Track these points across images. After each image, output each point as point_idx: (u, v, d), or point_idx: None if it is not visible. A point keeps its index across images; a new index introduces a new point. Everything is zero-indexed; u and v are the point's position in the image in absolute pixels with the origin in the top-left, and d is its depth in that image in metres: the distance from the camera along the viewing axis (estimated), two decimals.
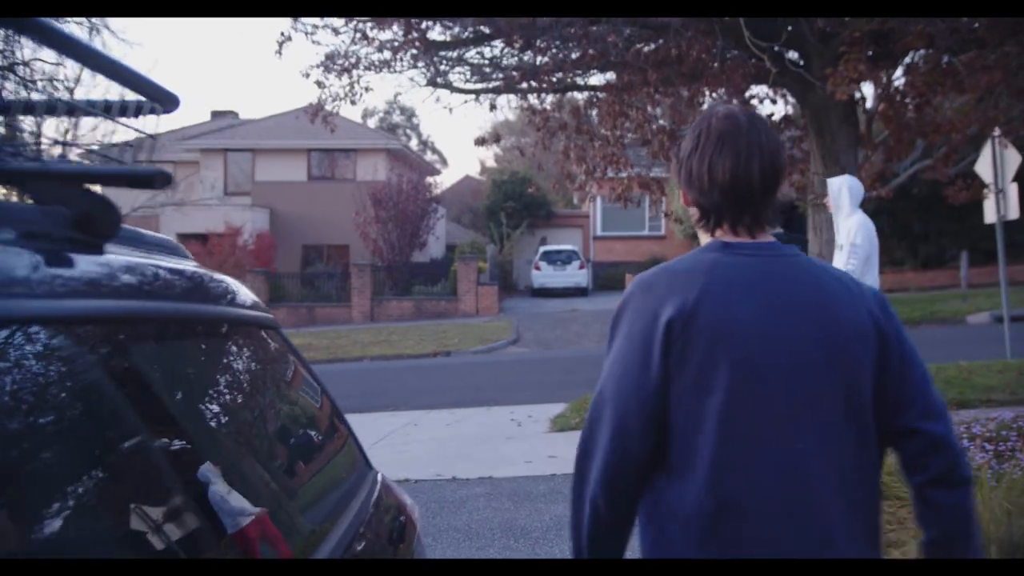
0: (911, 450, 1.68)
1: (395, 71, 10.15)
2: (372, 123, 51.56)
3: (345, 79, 11.04)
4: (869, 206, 9.14)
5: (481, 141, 10.43)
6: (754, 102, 10.67)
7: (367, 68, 10.78)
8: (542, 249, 31.62)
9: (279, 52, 10.76)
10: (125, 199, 32.65)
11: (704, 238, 1.79)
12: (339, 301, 26.88)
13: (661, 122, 10.22)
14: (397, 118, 62.51)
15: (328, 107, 12.00)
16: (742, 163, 1.68)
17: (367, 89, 10.53)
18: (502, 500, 6.65)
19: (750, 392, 1.58)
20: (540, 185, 37.88)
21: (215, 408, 1.80)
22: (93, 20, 19.93)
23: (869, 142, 10.64)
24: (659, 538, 1.67)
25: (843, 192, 6.49)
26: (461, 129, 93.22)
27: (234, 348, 2.02)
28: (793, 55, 9.88)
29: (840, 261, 6.22)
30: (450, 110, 11.00)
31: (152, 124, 1.94)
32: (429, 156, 55.72)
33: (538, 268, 31.02)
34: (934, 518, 1.68)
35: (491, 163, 58.15)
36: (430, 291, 27.51)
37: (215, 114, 40.45)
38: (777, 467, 1.57)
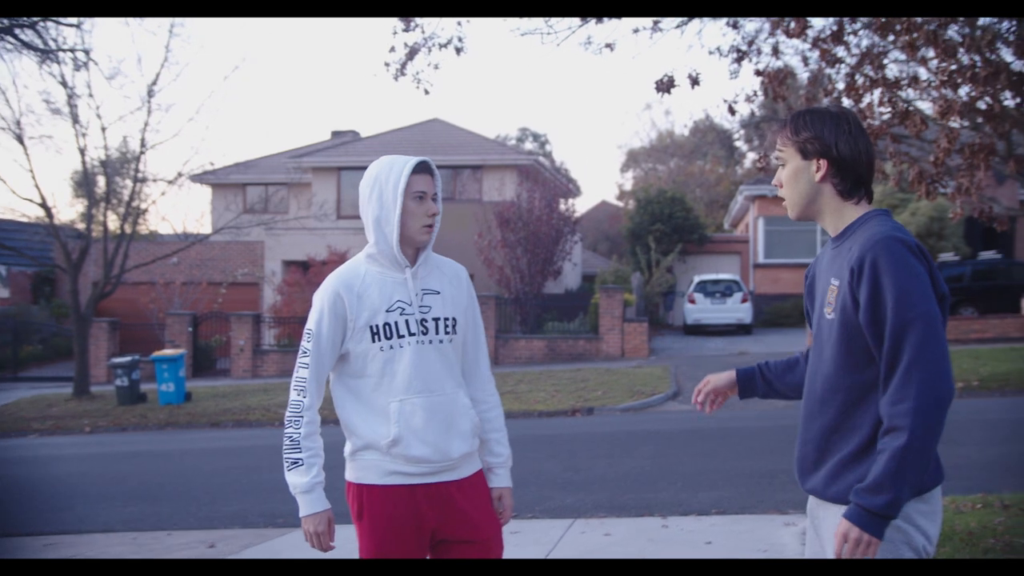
0: None
1: None
2: None
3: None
4: None
5: (666, 86, 6.07)
6: None
7: None
8: (697, 279, 26.90)
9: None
10: (215, 217, 29.81)
11: (840, 205, 2.45)
12: None
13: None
14: (530, 145, 59.59)
15: (423, 57, 7.98)
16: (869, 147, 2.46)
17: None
18: None
19: None
20: (690, 205, 33.57)
21: None
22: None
23: None
24: None
25: (371, 200, 2.93)
26: (598, 152, 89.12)
27: None
28: None
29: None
30: (611, 48, 6.80)
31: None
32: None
33: (692, 301, 26.26)
34: None
35: (629, 188, 53.85)
36: (566, 328, 23.16)
37: (335, 134, 37.57)
38: None
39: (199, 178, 26.66)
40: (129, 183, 20.90)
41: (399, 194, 2.83)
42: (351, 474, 2.92)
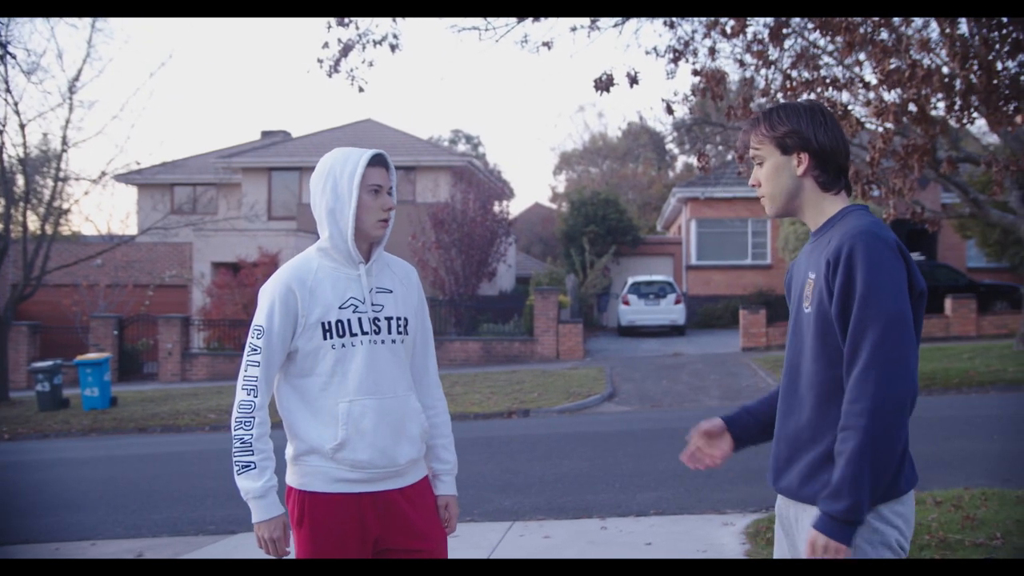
0: None
1: None
2: None
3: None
4: None
5: (605, 84, 6.05)
6: None
7: None
8: (631, 280, 27.07)
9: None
10: (142, 218, 29.14)
11: (820, 198, 2.39)
12: None
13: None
14: (463, 147, 59.53)
15: (357, 53, 7.84)
16: (845, 137, 2.44)
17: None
18: None
19: None
20: (623, 207, 33.85)
21: None
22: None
23: None
24: None
25: (325, 192, 2.77)
26: (530, 154, 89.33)
27: None
28: None
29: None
30: (548, 46, 6.77)
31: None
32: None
33: (627, 303, 26.41)
34: None
35: (562, 191, 54.15)
36: (501, 330, 23.11)
37: (265, 134, 36.96)
38: None
39: (124, 178, 26.00)
40: (50, 182, 20.27)
41: (354, 186, 2.71)
42: (293, 479, 2.79)
